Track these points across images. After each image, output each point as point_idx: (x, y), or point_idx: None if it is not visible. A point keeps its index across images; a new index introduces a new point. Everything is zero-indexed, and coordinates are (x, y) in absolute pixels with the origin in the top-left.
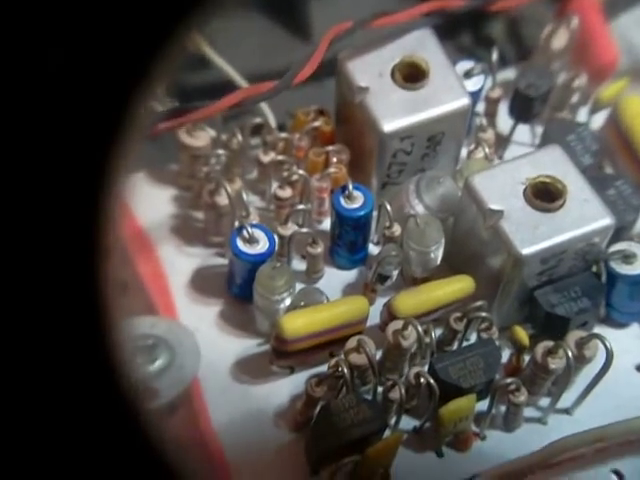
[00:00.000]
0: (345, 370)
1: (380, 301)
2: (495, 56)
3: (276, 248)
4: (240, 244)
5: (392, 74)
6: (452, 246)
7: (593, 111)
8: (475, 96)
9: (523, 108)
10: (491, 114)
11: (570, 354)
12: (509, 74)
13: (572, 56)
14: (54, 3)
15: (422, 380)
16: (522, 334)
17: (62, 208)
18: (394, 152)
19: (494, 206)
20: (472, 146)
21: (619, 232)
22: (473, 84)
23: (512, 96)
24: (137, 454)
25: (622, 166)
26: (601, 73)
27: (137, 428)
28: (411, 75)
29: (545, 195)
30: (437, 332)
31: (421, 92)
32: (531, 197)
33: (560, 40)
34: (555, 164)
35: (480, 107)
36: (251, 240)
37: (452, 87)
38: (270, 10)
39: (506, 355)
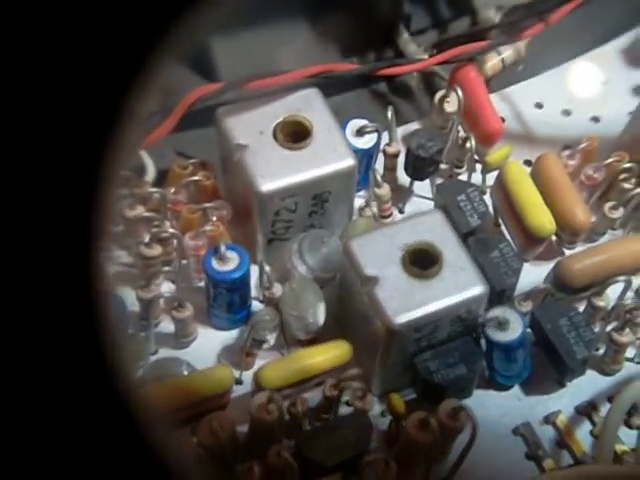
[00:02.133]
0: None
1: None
2: (390, 113)
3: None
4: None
5: (274, 132)
6: (339, 305)
7: (484, 172)
8: (369, 152)
9: (415, 167)
10: (390, 168)
11: (435, 427)
12: (414, 128)
13: (464, 120)
14: (50, 3)
15: (282, 459)
16: (398, 402)
17: (58, 207)
18: (276, 210)
19: (370, 272)
20: (362, 203)
21: (500, 295)
22: (365, 142)
23: (405, 155)
24: (136, 454)
25: (508, 227)
26: (488, 139)
27: (135, 428)
28: (294, 134)
29: (422, 262)
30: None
31: (304, 152)
32: (408, 264)
33: (452, 105)
34: (434, 230)
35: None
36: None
37: (337, 147)
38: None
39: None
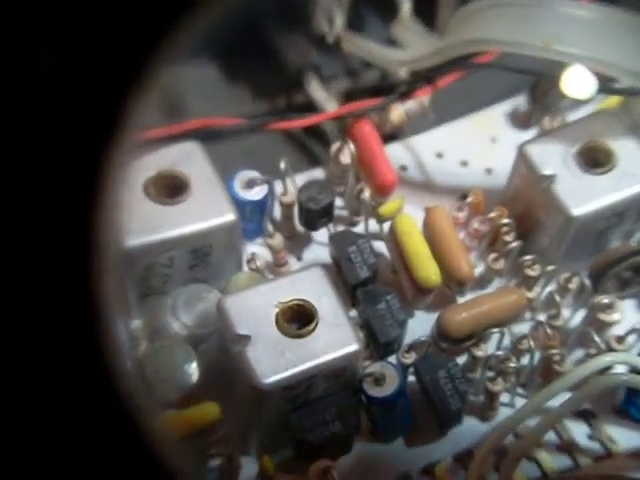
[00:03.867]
0: None
1: None
2: (283, 165)
3: None
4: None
5: (145, 187)
6: (217, 362)
7: (378, 222)
8: (260, 203)
9: (307, 218)
10: (287, 217)
11: None
12: (319, 174)
13: (360, 171)
14: (49, 5)
15: None
16: (268, 464)
17: (57, 207)
18: (148, 265)
19: (242, 331)
20: (249, 255)
21: (386, 347)
22: (255, 193)
23: (298, 208)
24: (134, 454)
25: (401, 276)
26: (382, 190)
27: (133, 428)
28: (170, 188)
29: (298, 319)
30: None
31: (179, 207)
32: (282, 322)
33: (346, 157)
34: (313, 286)
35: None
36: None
37: (216, 202)
38: None
39: None
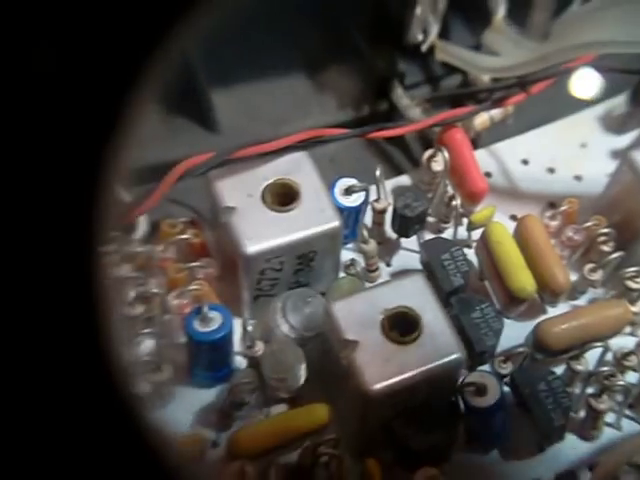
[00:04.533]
0: None
1: None
2: (378, 172)
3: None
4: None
5: (262, 195)
6: (321, 364)
7: (469, 229)
8: (357, 209)
9: (401, 225)
10: (379, 223)
11: None
12: (405, 180)
13: (450, 179)
14: (47, 5)
15: None
16: (374, 467)
17: (57, 207)
18: (261, 270)
19: (350, 336)
20: (348, 261)
21: (481, 355)
22: (353, 200)
23: (392, 214)
24: (133, 455)
25: (492, 284)
26: (473, 198)
27: (134, 428)
28: (282, 196)
29: (402, 326)
30: None
31: (291, 214)
32: (387, 328)
33: (439, 164)
34: (416, 294)
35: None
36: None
37: (323, 209)
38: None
39: None
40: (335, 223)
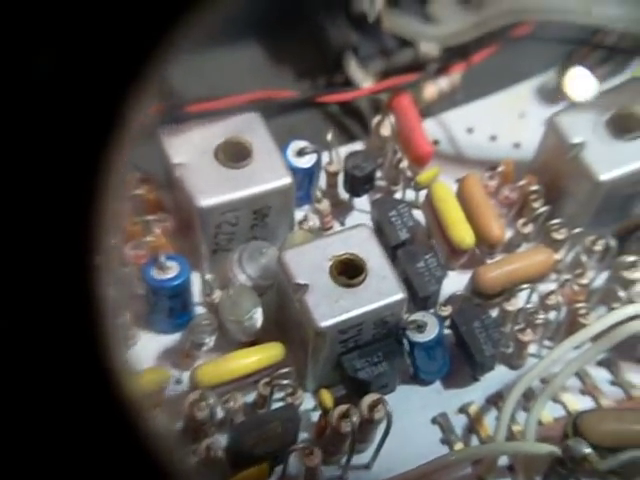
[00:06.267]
0: None
1: None
2: (330, 136)
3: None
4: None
5: (215, 152)
6: (277, 310)
7: (416, 190)
8: (309, 171)
9: (352, 185)
10: (331, 185)
11: (355, 418)
12: (358, 147)
13: (399, 143)
14: (46, 5)
15: (212, 453)
16: (326, 397)
17: (56, 208)
18: (217, 224)
19: (301, 280)
20: (302, 216)
21: (424, 301)
22: (306, 161)
23: (344, 174)
24: (132, 455)
25: (437, 239)
26: (419, 160)
27: (132, 429)
28: (235, 154)
29: (349, 271)
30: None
31: (244, 170)
32: (335, 273)
33: (387, 129)
34: (362, 243)
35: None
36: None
37: (274, 167)
38: None
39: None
40: (287, 180)
